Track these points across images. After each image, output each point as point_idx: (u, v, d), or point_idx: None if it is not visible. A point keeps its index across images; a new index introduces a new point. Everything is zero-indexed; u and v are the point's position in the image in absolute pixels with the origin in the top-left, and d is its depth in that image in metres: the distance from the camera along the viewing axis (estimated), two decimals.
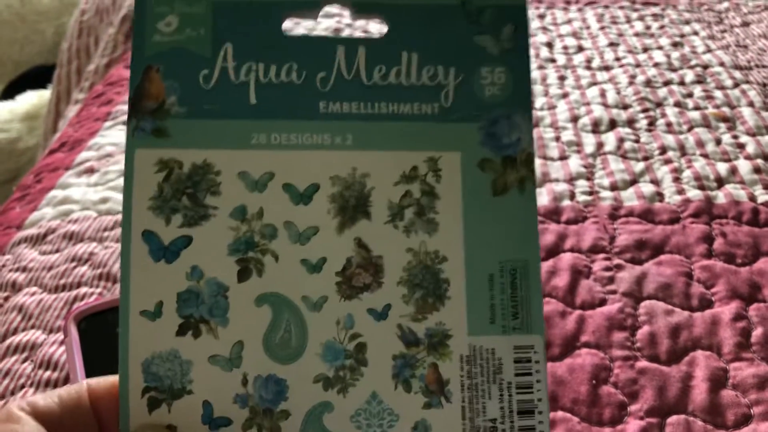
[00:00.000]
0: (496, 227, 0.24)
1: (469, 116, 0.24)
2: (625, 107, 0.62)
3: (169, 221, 0.23)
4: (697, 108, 0.62)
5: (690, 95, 0.64)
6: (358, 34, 0.73)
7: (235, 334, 0.23)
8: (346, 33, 0.73)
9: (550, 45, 0.74)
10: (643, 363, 0.40)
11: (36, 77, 1.26)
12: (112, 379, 0.23)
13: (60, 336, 0.42)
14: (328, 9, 0.76)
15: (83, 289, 0.46)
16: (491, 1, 0.25)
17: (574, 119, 0.61)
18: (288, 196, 0.24)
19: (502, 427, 0.24)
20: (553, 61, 0.71)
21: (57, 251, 0.49)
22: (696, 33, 0.75)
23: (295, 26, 0.72)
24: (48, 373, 0.40)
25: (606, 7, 0.82)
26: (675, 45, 0.73)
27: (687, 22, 0.78)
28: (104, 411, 0.23)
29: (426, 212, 0.24)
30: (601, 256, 0.46)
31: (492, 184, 0.24)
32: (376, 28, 0.73)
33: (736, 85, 0.65)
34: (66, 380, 0.39)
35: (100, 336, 0.39)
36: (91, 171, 0.58)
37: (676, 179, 0.53)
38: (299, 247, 0.24)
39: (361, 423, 0.23)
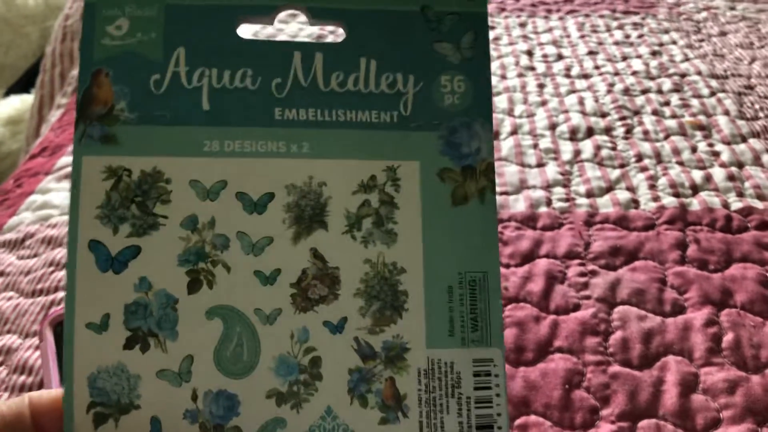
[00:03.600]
0: (455, 238, 0.24)
1: (428, 125, 0.24)
2: (603, 115, 0.63)
3: (117, 231, 0.23)
4: (673, 116, 0.63)
5: (667, 103, 0.65)
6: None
7: (185, 348, 0.23)
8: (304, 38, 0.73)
9: (530, 53, 0.74)
10: (615, 368, 0.40)
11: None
12: (56, 393, 0.22)
13: (36, 341, 0.42)
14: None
15: (60, 294, 0.45)
16: (452, 8, 0.24)
17: (552, 127, 0.62)
18: (241, 205, 0.23)
19: None
20: (532, 69, 0.71)
21: (35, 256, 0.49)
22: (674, 42, 0.76)
23: (259, 31, 0.73)
24: (23, 377, 0.40)
25: (587, 16, 0.83)
26: (654, 54, 0.74)
27: (666, 32, 0.79)
28: (47, 426, 0.22)
29: (384, 222, 0.24)
30: (576, 262, 0.47)
31: (452, 194, 0.24)
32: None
33: (713, 93, 0.66)
34: (41, 385, 0.39)
35: None
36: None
37: (652, 186, 0.54)
38: (252, 258, 0.23)
39: None
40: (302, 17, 0.77)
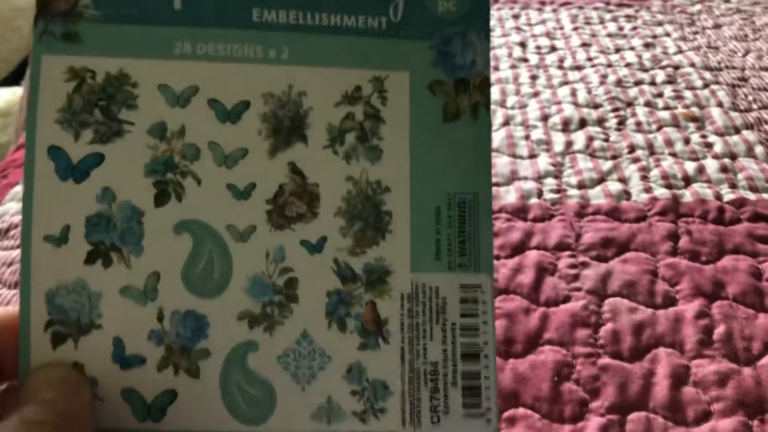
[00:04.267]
0: (445, 156, 0.22)
1: (420, 33, 0.23)
2: (596, 106, 0.62)
3: (79, 136, 0.21)
4: (666, 108, 0.62)
5: (660, 95, 0.64)
6: None
7: (151, 265, 0.21)
8: None
9: (523, 45, 0.74)
10: (605, 360, 0.40)
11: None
12: (12, 311, 0.21)
13: None
14: None
15: None
16: None
17: (545, 118, 0.61)
18: (213, 113, 0.22)
19: (444, 371, 0.22)
20: (525, 60, 0.71)
21: (19, 246, 0.49)
22: (668, 34, 0.76)
23: None
24: None
25: (580, 8, 0.82)
26: (647, 46, 0.73)
27: (659, 24, 0.78)
28: (2, 346, 0.21)
29: (369, 138, 0.22)
30: (567, 253, 0.46)
31: (443, 108, 0.22)
32: None
33: (706, 85, 0.65)
34: None
35: None
36: None
37: (644, 178, 0.53)
38: (225, 171, 0.22)
39: (289, 364, 0.21)
40: None
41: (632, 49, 0.72)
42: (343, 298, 0.22)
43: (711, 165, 0.55)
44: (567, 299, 0.43)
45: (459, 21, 0.23)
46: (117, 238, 0.21)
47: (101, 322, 0.21)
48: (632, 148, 0.57)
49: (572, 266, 0.45)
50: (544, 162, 0.55)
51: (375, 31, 0.22)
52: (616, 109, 0.62)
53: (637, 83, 0.66)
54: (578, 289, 0.44)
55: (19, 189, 0.55)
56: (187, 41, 0.22)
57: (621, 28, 0.77)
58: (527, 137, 0.59)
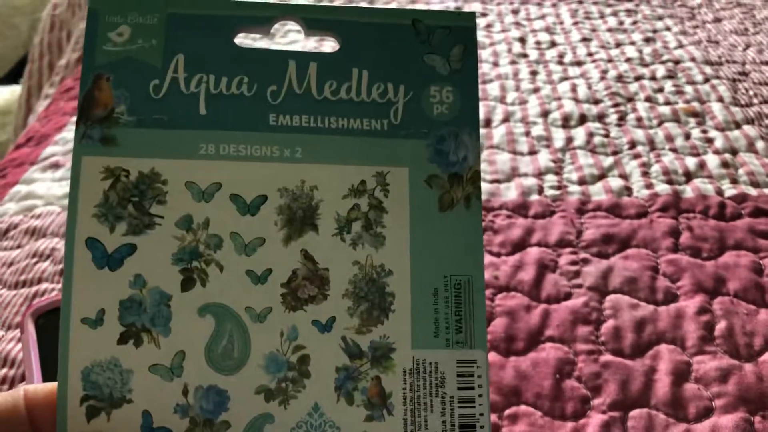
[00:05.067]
0: (441, 242, 0.24)
1: (417, 133, 0.25)
2: (596, 102, 0.62)
3: (114, 229, 0.23)
4: (667, 103, 0.62)
5: (661, 90, 0.64)
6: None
7: (177, 344, 0.23)
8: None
9: (522, 40, 0.74)
10: (607, 357, 0.40)
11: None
12: (50, 387, 0.23)
13: (18, 333, 0.41)
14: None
15: (44, 285, 0.45)
16: (441, 22, 0.25)
17: (545, 114, 0.61)
18: (235, 206, 0.24)
19: None
20: (525, 56, 0.71)
21: (18, 247, 0.49)
22: (668, 28, 0.76)
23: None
24: (5, 370, 0.39)
25: (580, 2, 0.82)
26: (647, 40, 0.73)
27: (660, 18, 0.78)
28: (41, 419, 0.22)
29: (373, 226, 0.24)
30: (568, 250, 0.46)
31: (439, 200, 0.25)
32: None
33: (707, 80, 0.65)
34: (23, 378, 0.39)
35: (57, 333, 0.38)
36: (56, 166, 0.57)
37: (645, 173, 0.53)
38: (245, 258, 0.24)
39: None
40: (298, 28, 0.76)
41: (632, 43, 0.72)
42: (350, 373, 0.24)
43: (712, 160, 0.54)
44: (568, 296, 0.43)
45: (451, 122, 0.25)
46: (147, 320, 0.23)
47: (132, 396, 0.23)
48: (633, 144, 0.57)
49: (573, 263, 0.45)
50: (544, 158, 0.55)
51: (378, 132, 0.25)
52: (616, 105, 0.62)
53: (638, 78, 0.66)
54: (579, 286, 0.44)
55: (18, 188, 0.55)
56: (211, 143, 0.24)
57: (621, 23, 0.77)
58: (527, 133, 0.58)
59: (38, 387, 0.23)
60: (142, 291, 0.23)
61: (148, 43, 0.24)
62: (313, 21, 0.25)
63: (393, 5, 0.82)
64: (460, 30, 0.25)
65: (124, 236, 0.23)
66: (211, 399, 0.23)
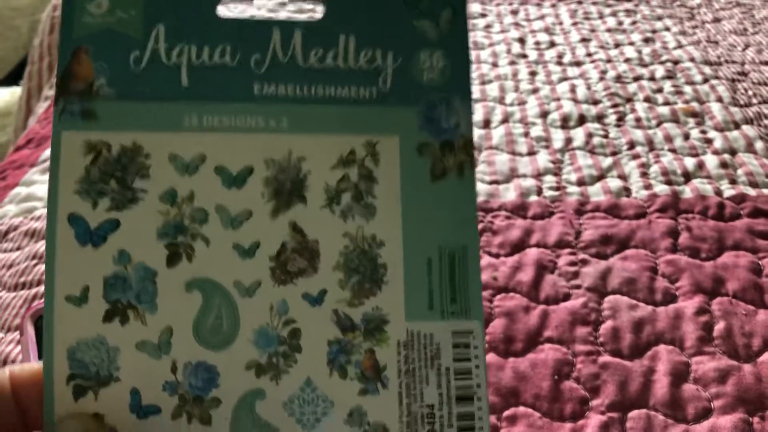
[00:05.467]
0: (434, 212, 0.24)
1: (407, 100, 0.24)
2: (595, 102, 0.62)
3: (96, 204, 0.23)
4: (666, 103, 0.62)
5: (660, 90, 0.64)
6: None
7: (164, 320, 0.23)
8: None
9: (522, 41, 0.74)
10: (605, 358, 0.40)
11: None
12: (37, 366, 0.22)
13: (17, 335, 0.41)
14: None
15: (43, 288, 0.45)
16: None
17: (544, 115, 0.61)
18: (220, 179, 0.23)
19: (440, 413, 0.23)
20: (524, 56, 0.71)
21: (18, 249, 0.49)
22: (668, 29, 0.76)
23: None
24: None
25: (579, 2, 0.82)
26: (646, 41, 0.73)
27: (659, 18, 0.78)
28: (27, 399, 0.22)
29: (363, 197, 0.24)
30: (567, 251, 0.46)
31: (430, 168, 0.24)
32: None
33: (706, 80, 0.65)
34: None
35: None
36: None
37: (644, 174, 0.53)
38: (231, 232, 0.23)
39: (294, 410, 0.23)
40: None
41: (632, 44, 0.72)
42: (343, 346, 0.23)
43: (711, 160, 0.54)
44: (567, 297, 0.43)
45: (442, 88, 0.24)
46: (133, 296, 0.23)
47: (119, 375, 0.23)
48: (632, 144, 0.57)
49: (572, 264, 0.45)
50: (543, 159, 0.55)
51: (366, 100, 0.24)
52: (615, 105, 0.62)
53: (637, 79, 0.66)
54: (578, 287, 0.44)
55: (18, 190, 0.55)
56: (194, 115, 0.24)
57: (620, 23, 0.77)
58: (526, 134, 0.58)
59: (24, 366, 0.22)
60: (126, 267, 0.23)
61: (127, 14, 0.24)
62: None
63: None
64: None
65: (107, 212, 0.23)
66: (200, 375, 0.23)
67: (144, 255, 0.23)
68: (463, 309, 0.24)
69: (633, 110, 0.61)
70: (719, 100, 0.62)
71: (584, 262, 0.46)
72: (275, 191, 0.24)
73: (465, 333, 0.24)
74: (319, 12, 0.25)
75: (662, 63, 0.68)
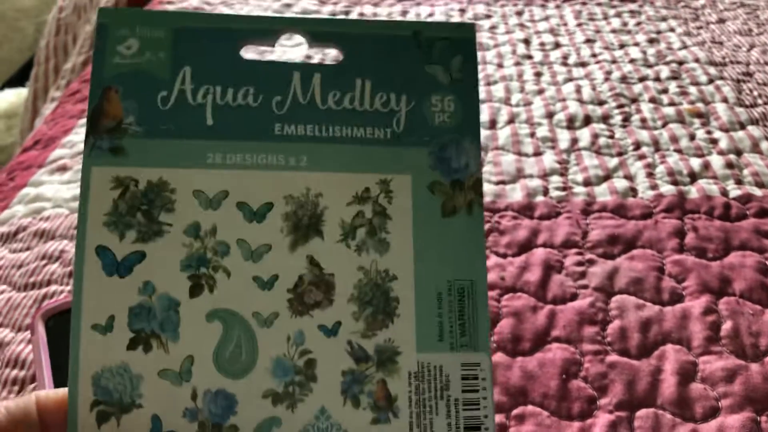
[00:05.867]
0: (444, 248, 0.25)
1: (419, 141, 0.25)
2: (600, 103, 0.62)
3: (123, 237, 0.24)
4: (671, 104, 0.62)
5: (665, 91, 0.64)
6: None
7: (186, 349, 0.23)
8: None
9: (527, 42, 0.74)
10: (613, 357, 0.40)
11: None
12: (62, 392, 0.23)
13: (28, 334, 0.42)
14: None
15: (53, 287, 0.45)
16: (441, 33, 0.26)
17: (550, 115, 0.61)
18: (242, 214, 0.24)
19: None
20: (529, 57, 0.71)
21: (27, 249, 0.49)
22: (672, 29, 0.76)
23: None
24: (15, 371, 0.40)
25: (584, 3, 0.82)
26: (651, 41, 0.73)
27: (664, 19, 0.78)
28: (52, 424, 0.23)
29: (377, 232, 0.25)
30: (574, 251, 0.47)
31: (441, 206, 0.25)
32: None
33: (711, 81, 0.65)
34: (33, 379, 0.39)
35: (67, 334, 0.39)
36: (64, 169, 0.57)
37: (650, 174, 0.53)
38: (252, 264, 0.24)
39: None
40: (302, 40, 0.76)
41: (636, 44, 0.72)
42: (356, 377, 0.24)
43: (716, 161, 0.55)
44: (574, 297, 0.43)
45: (453, 130, 0.26)
46: (156, 325, 0.24)
47: (141, 401, 0.23)
48: (637, 145, 0.57)
49: (579, 264, 0.46)
50: (549, 159, 0.55)
51: (381, 141, 0.25)
52: (621, 106, 0.62)
53: (642, 79, 0.66)
54: (585, 287, 0.44)
55: (27, 191, 0.55)
56: (218, 152, 0.25)
57: (625, 24, 0.77)
58: (532, 135, 0.59)
59: (49, 393, 0.23)
60: (151, 297, 0.24)
61: (155, 55, 0.25)
62: (317, 34, 0.26)
63: (397, 8, 0.82)
64: (460, 41, 0.26)
65: (134, 244, 0.24)
66: (219, 403, 0.23)
67: (168, 286, 0.24)
68: (472, 342, 0.25)
69: (638, 111, 0.61)
70: (724, 100, 0.62)
71: (591, 262, 0.46)
72: (294, 226, 0.24)
73: (473, 365, 0.24)
74: (336, 55, 0.25)
75: (667, 64, 0.68)
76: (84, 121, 0.64)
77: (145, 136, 0.24)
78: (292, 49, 0.66)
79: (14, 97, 1.14)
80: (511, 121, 0.60)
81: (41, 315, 0.39)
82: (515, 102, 0.63)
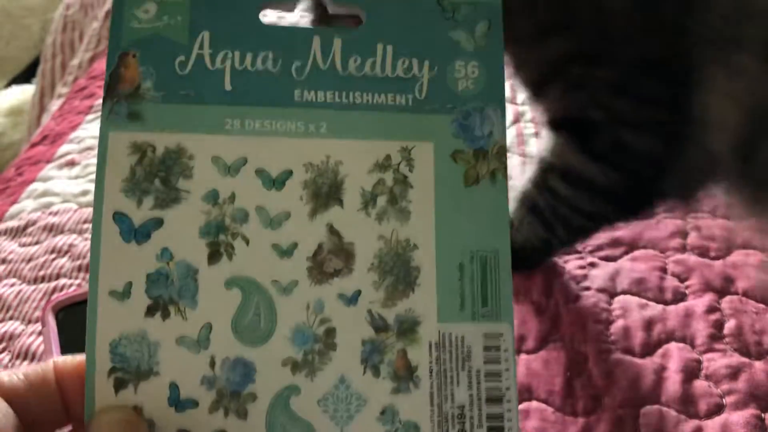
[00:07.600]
0: (467, 217, 0.24)
1: (442, 108, 0.25)
2: None
3: (141, 203, 0.24)
4: None
5: None
6: None
7: (204, 317, 0.23)
8: None
9: None
10: (617, 355, 0.40)
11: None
12: (79, 359, 0.23)
13: (38, 327, 0.42)
14: None
15: (62, 281, 0.46)
16: None
17: None
18: (260, 181, 0.24)
19: (470, 414, 0.24)
20: None
21: (37, 243, 0.49)
22: None
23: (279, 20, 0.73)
24: (25, 363, 0.40)
25: None
26: None
27: None
28: (70, 390, 0.23)
29: (398, 201, 0.24)
30: (574, 256, 0.47)
31: (464, 174, 0.25)
32: None
33: None
34: None
35: (78, 326, 0.39)
36: (72, 164, 0.58)
37: None
38: (270, 232, 0.24)
39: (328, 407, 0.23)
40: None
41: None
42: (376, 346, 0.24)
43: None
44: (578, 297, 0.44)
45: (477, 98, 0.25)
46: (174, 293, 0.23)
47: (159, 369, 0.23)
48: None
49: (581, 266, 0.46)
50: None
51: (402, 107, 0.25)
52: None
53: None
54: (588, 288, 0.44)
55: (35, 186, 0.56)
56: (236, 118, 0.24)
57: None
58: (537, 134, 0.59)
59: (67, 359, 0.23)
60: (169, 264, 0.23)
61: (173, 19, 0.24)
62: None
63: None
64: (485, 6, 0.25)
65: (151, 210, 0.24)
66: (237, 371, 0.23)
67: (186, 253, 0.24)
68: (494, 312, 0.24)
69: None
70: None
71: (593, 264, 0.46)
72: (313, 194, 0.24)
73: (495, 335, 0.24)
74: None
75: None
76: (92, 116, 0.65)
77: (163, 102, 0.24)
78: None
79: (21, 94, 1.15)
80: (517, 120, 0.61)
81: (52, 307, 0.39)
82: (521, 101, 0.63)
